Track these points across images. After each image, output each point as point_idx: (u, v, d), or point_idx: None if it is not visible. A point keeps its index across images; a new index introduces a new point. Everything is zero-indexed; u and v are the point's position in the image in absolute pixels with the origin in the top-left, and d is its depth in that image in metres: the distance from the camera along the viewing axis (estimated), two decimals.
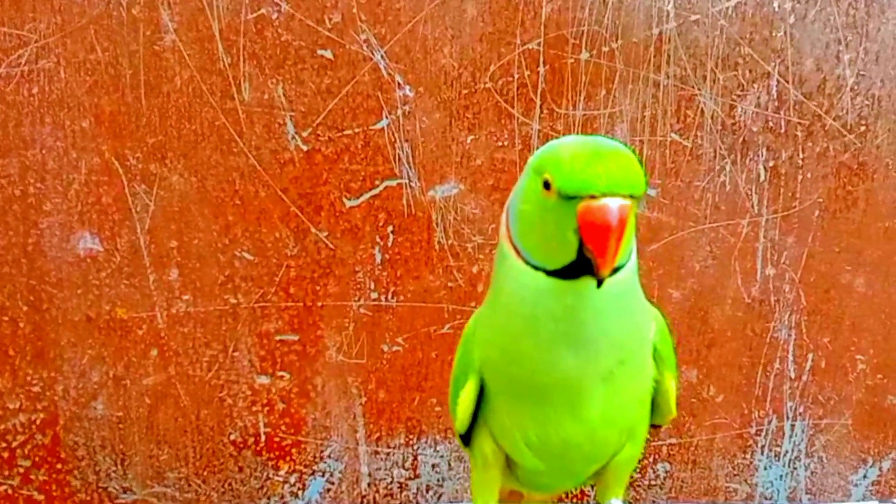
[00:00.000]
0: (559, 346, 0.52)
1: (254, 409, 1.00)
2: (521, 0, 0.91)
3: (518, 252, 0.52)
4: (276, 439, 1.01)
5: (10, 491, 1.01)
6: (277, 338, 0.98)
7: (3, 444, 1.00)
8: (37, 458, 1.01)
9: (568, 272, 0.49)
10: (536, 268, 0.51)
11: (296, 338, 0.98)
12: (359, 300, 0.98)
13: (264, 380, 0.99)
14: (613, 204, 0.46)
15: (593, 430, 0.57)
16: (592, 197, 0.46)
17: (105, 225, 0.95)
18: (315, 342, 0.99)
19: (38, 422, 1.00)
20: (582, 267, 0.48)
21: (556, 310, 0.50)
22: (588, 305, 0.50)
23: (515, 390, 0.57)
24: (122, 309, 0.97)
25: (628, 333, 0.54)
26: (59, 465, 1.01)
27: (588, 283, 0.49)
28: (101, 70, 0.92)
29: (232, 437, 1.01)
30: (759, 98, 0.93)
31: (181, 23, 0.91)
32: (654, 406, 0.61)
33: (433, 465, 1.03)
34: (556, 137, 0.92)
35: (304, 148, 0.94)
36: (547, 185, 0.48)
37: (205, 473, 1.01)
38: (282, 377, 0.99)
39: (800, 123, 0.94)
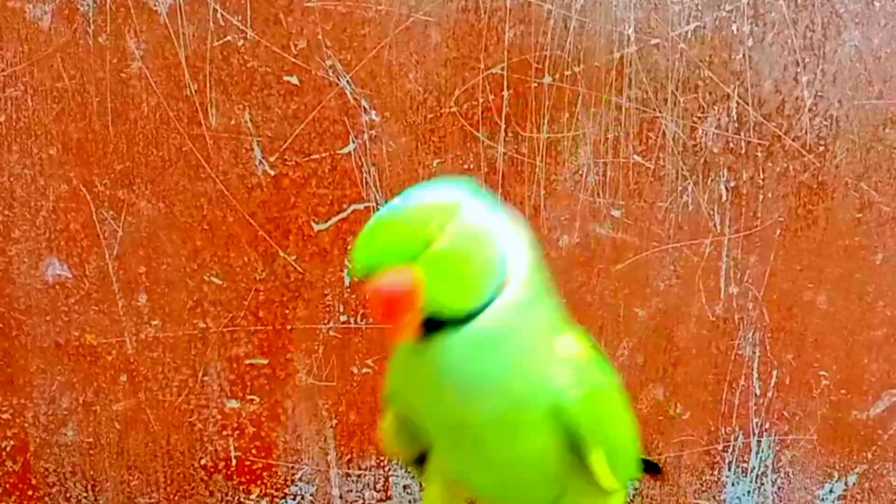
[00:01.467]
0: (434, 391, 0.52)
1: (224, 433, 1.00)
2: (484, 25, 0.93)
3: None
4: (247, 463, 1.01)
5: None
6: (247, 361, 0.99)
7: None
8: (7, 485, 1.00)
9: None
10: None
11: (265, 361, 0.99)
12: (328, 323, 0.98)
13: (234, 404, 1.00)
14: (377, 285, 0.47)
15: (503, 475, 0.55)
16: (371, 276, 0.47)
17: (73, 251, 0.96)
18: (285, 365, 0.99)
19: (8, 448, 1.00)
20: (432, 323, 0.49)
21: (424, 361, 0.50)
22: (450, 355, 0.50)
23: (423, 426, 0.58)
24: (91, 335, 0.98)
25: (514, 378, 0.51)
26: (29, 492, 1.01)
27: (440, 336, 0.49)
28: (68, 97, 0.93)
29: (203, 462, 1.01)
30: (719, 120, 0.95)
31: (147, 50, 0.92)
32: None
33: (405, 487, 1.03)
34: (521, 160, 0.94)
35: (272, 173, 0.95)
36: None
37: (176, 498, 1.01)
38: (252, 401, 1.00)
39: (760, 144, 0.96)
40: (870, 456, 1.04)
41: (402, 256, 0.47)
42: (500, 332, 0.50)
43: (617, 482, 0.58)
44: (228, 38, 0.92)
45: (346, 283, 0.98)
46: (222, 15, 0.91)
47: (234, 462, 1.01)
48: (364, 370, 1.00)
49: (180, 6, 0.91)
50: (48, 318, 0.97)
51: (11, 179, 0.94)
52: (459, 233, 0.49)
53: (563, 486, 0.58)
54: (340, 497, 1.03)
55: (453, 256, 0.48)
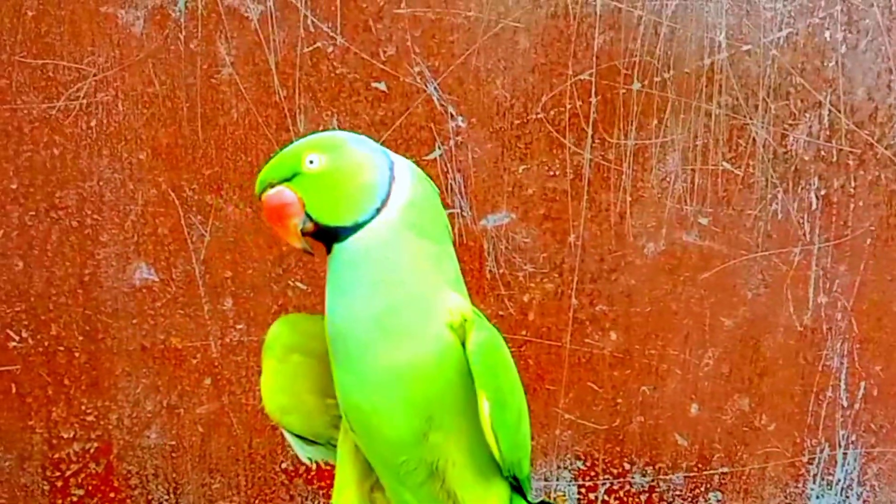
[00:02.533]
0: (332, 297, 0.60)
1: None
2: (573, 31, 0.92)
3: None
4: (327, 468, 1.01)
5: None
6: None
7: (58, 473, 1.00)
8: (90, 487, 1.01)
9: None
10: None
11: None
12: None
13: None
14: (264, 197, 0.59)
15: (372, 391, 0.58)
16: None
17: (161, 255, 0.96)
18: None
19: (91, 451, 1.01)
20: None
21: (329, 268, 0.60)
22: (333, 264, 0.60)
23: (329, 343, 0.60)
24: (177, 338, 0.98)
25: (387, 293, 0.58)
26: (112, 495, 1.02)
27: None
28: (158, 103, 0.94)
29: (284, 466, 1.01)
30: (810, 127, 0.94)
31: (238, 56, 0.93)
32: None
33: None
34: (608, 167, 0.93)
35: None
36: (311, 162, 0.58)
37: (257, 502, 1.02)
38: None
39: (851, 152, 0.94)
40: None
41: (280, 176, 0.58)
42: (374, 244, 0.58)
43: (496, 444, 0.59)
44: (318, 44, 0.92)
45: None
46: (313, 21, 0.92)
47: (314, 466, 1.01)
48: None
49: (272, 13, 0.92)
50: (134, 321, 0.98)
51: (101, 184, 0.95)
52: (336, 159, 0.58)
53: (426, 440, 0.60)
54: None
55: (327, 177, 0.58)
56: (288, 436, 0.68)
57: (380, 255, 0.58)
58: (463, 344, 0.58)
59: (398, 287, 0.58)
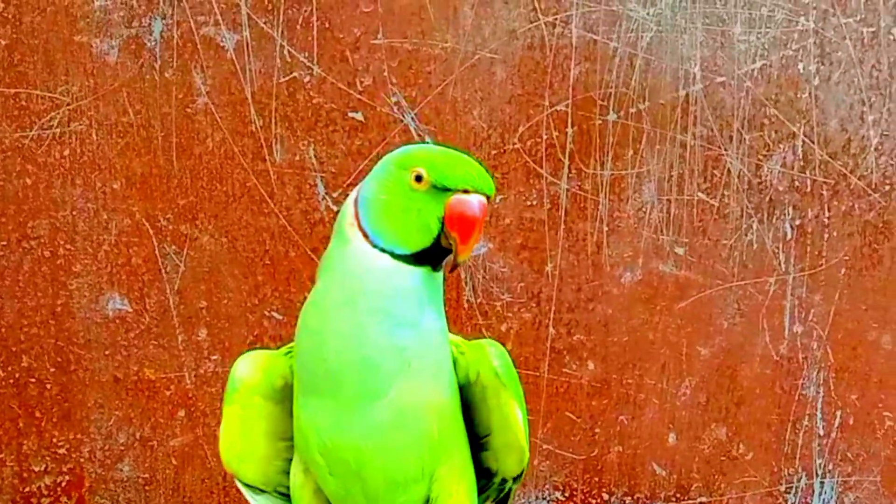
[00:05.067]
0: (372, 322, 0.53)
1: None
2: (549, 63, 0.93)
3: (366, 237, 0.54)
4: None
5: None
6: None
7: None
8: None
9: (415, 259, 0.54)
10: (383, 251, 0.54)
11: None
12: None
13: None
14: (481, 199, 0.53)
15: (383, 435, 0.55)
16: (465, 192, 0.53)
17: (134, 286, 0.95)
18: None
19: (63, 484, 0.99)
20: (430, 255, 0.54)
21: (386, 288, 0.53)
22: (415, 289, 0.54)
23: (318, 375, 0.55)
24: (151, 369, 0.97)
25: (427, 332, 0.55)
26: None
27: (424, 270, 0.54)
28: (132, 132, 0.93)
29: None
30: (784, 158, 0.95)
31: (213, 86, 0.92)
32: (496, 447, 0.61)
33: None
34: (584, 197, 0.93)
35: (335, 208, 0.94)
36: (419, 178, 0.53)
37: None
38: None
39: (825, 183, 0.95)
40: None
41: (493, 190, 0.55)
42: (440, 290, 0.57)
43: (528, 451, 0.60)
44: (294, 74, 0.92)
45: None
46: (289, 51, 0.92)
47: None
48: None
49: (247, 42, 0.91)
50: (107, 352, 0.96)
51: (74, 213, 0.94)
52: None
53: (426, 487, 0.58)
54: None
55: None
56: (240, 485, 0.64)
57: (436, 300, 0.56)
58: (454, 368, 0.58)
59: (439, 318, 0.57)
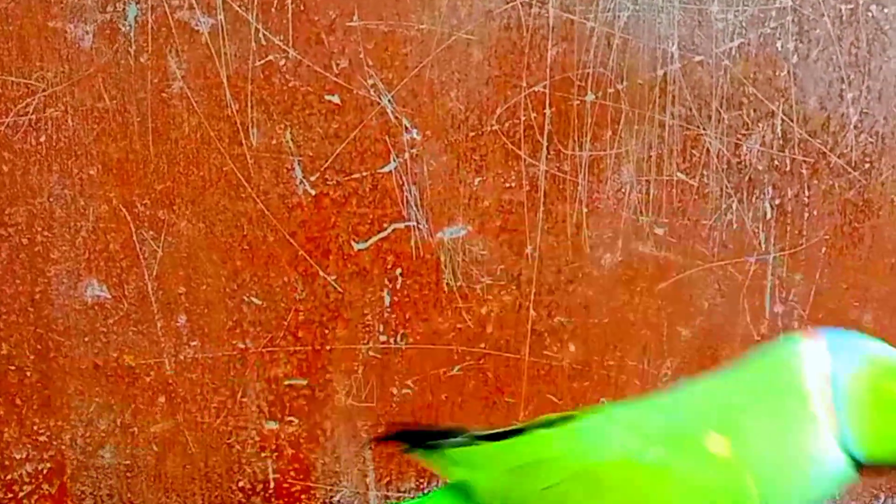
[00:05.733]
0: None
1: (263, 455, 0.99)
2: (526, 43, 0.92)
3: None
4: (286, 485, 1.00)
5: None
6: (286, 382, 0.98)
7: (10, 495, 0.99)
8: None
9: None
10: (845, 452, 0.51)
11: (304, 382, 0.98)
12: (368, 343, 0.97)
13: (273, 425, 0.99)
14: None
15: None
16: None
17: (113, 272, 0.95)
18: (324, 386, 0.98)
19: (44, 471, 0.99)
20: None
21: (830, 486, 0.51)
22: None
23: None
24: (130, 356, 0.97)
25: None
26: None
27: None
28: (108, 118, 0.92)
29: (241, 484, 1.00)
30: (763, 137, 0.94)
31: (189, 70, 0.92)
32: None
33: None
34: (563, 178, 0.93)
35: (312, 192, 0.94)
36: None
37: None
38: (291, 422, 0.99)
39: (805, 161, 0.95)
40: None
41: None
42: None
43: None
44: (270, 57, 0.92)
45: (387, 302, 0.97)
46: (264, 35, 0.91)
47: (272, 484, 1.00)
48: (404, 391, 0.98)
49: (222, 26, 0.91)
50: (86, 339, 0.96)
51: (51, 200, 0.94)
52: None
53: None
54: None
55: None
56: None
57: None
58: None
59: None
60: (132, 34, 0.91)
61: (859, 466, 0.50)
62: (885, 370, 0.51)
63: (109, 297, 0.96)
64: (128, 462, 0.99)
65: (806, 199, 0.96)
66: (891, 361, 0.52)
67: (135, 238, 0.94)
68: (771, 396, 0.52)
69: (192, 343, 0.97)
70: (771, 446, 0.50)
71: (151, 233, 0.94)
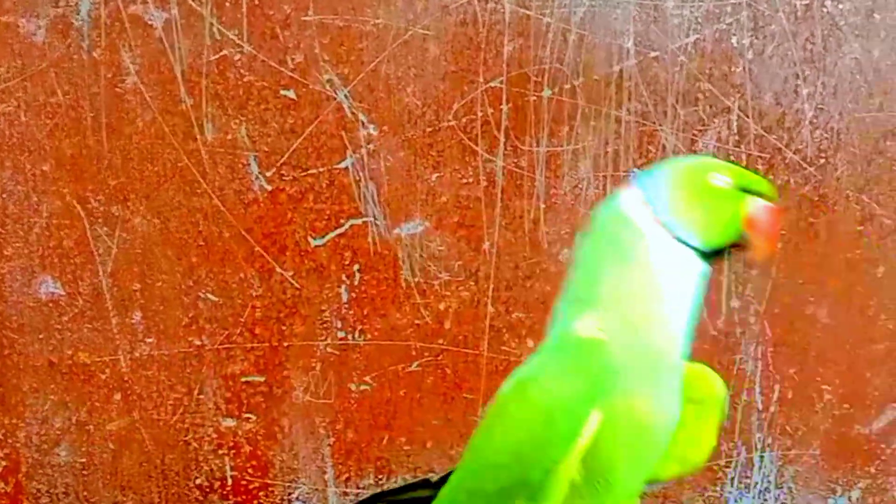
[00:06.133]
0: (678, 314, 0.57)
1: (220, 452, 0.99)
2: (482, 39, 0.92)
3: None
4: (244, 483, 1.00)
5: None
6: (243, 379, 0.97)
7: None
8: None
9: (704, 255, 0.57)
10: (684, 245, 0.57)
11: (262, 379, 0.97)
12: (325, 339, 0.97)
13: (230, 422, 0.98)
14: (777, 208, 0.58)
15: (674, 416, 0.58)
16: (763, 197, 0.57)
17: (67, 268, 0.94)
18: (281, 383, 0.98)
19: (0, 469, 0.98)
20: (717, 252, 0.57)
21: (689, 280, 0.57)
22: (701, 284, 0.58)
23: (647, 365, 0.56)
24: (85, 353, 0.96)
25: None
26: None
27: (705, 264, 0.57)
28: (62, 113, 0.92)
29: (198, 482, 0.99)
30: (719, 132, 0.94)
31: (143, 65, 0.91)
32: None
33: None
34: (520, 174, 0.93)
35: (268, 188, 0.94)
36: (721, 182, 0.56)
37: None
38: (248, 419, 0.98)
39: (760, 157, 0.95)
40: (873, 470, 1.03)
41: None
42: None
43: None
44: (224, 52, 0.91)
45: (344, 298, 0.96)
46: (218, 29, 0.90)
47: (229, 482, 1.00)
48: (362, 387, 0.98)
49: (176, 20, 0.90)
50: (41, 336, 0.95)
51: (4, 196, 0.93)
52: None
53: None
54: None
55: None
56: None
57: None
58: None
59: None
60: (85, 29, 0.90)
61: (709, 256, 0.56)
62: (683, 168, 0.58)
63: (64, 293, 0.95)
64: (84, 460, 0.99)
65: None
66: (686, 160, 0.60)
67: (89, 234, 0.94)
68: (610, 249, 0.57)
69: (148, 340, 0.96)
70: (627, 290, 0.56)
71: (106, 229, 0.94)
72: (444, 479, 0.64)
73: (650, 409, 0.56)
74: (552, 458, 0.54)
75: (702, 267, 0.57)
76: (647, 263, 0.56)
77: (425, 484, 0.67)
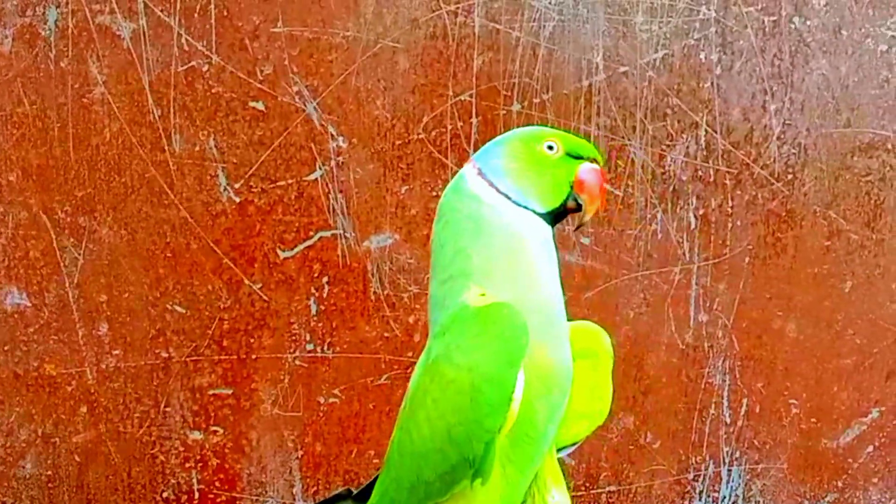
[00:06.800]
0: (548, 271, 0.59)
1: (187, 465, 0.98)
2: (452, 53, 0.92)
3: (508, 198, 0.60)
4: (211, 496, 0.99)
5: None
6: (211, 392, 0.97)
7: None
8: None
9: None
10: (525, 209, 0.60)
11: (229, 391, 0.97)
12: (294, 352, 0.97)
13: (197, 435, 0.98)
14: (601, 170, 0.62)
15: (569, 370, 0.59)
16: (591, 160, 0.61)
17: (33, 280, 0.93)
18: (249, 395, 0.97)
19: None
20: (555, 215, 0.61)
21: (541, 241, 0.59)
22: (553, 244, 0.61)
23: (535, 311, 0.57)
24: (51, 365, 0.95)
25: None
26: None
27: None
28: (28, 123, 0.91)
29: (165, 495, 0.99)
30: (688, 147, 0.95)
31: (110, 75, 0.90)
32: None
33: None
34: None
35: (237, 199, 0.93)
36: (551, 148, 0.60)
37: None
38: (215, 432, 0.98)
39: (728, 172, 0.96)
40: (840, 484, 1.03)
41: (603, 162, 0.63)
42: None
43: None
44: (193, 63, 0.91)
45: (313, 311, 0.96)
46: (187, 40, 0.90)
47: (196, 495, 0.99)
48: (331, 400, 0.98)
49: (144, 31, 0.90)
50: (6, 347, 0.94)
51: None
52: None
53: None
54: None
55: None
56: None
57: None
58: None
59: None
60: (52, 38, 0.90)
61: (551, 219, 0.60)
62: (515, 139, 0.61)
63: (30, 305, 0.94)
64: (49, 472, 0.98)
65: (730, 210, 0.96)
66: (517, 132, 0.63)
67: (55, 245, 0.93)
68: (466, 224, 0.59)
69: (115, 352, 0.95)
70: (496, 258, 0.58)
71: (72, 240, 0.93)
72: (367, 490, 0.64)
73: (555, 357, 0.57)
74: (489, 428, 0.54)
75: (548, 229, 0.60)
76: (501, 230, 0.58)
77: (347, 494, 0.67)
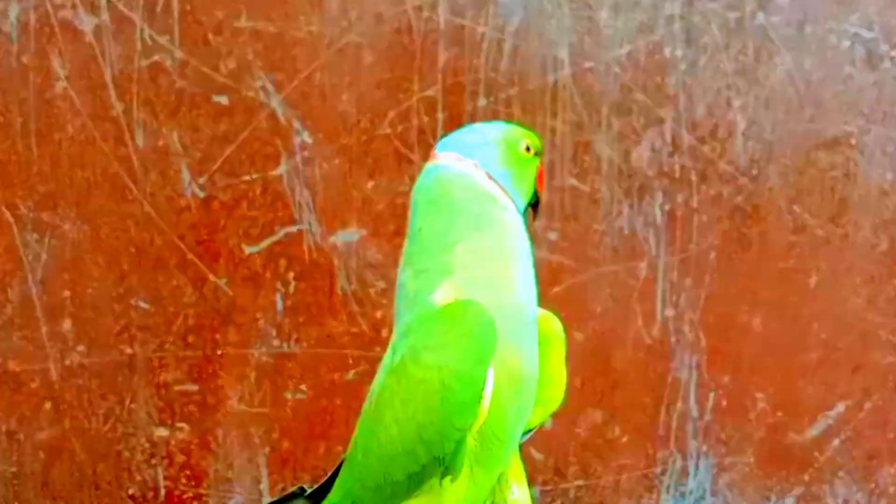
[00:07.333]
0: (527, 270, 0.59)
1: (153, 462, 0.98)
2: (417, 48, 0.92)
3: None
4: (177, 493, 0.99)
5: None
6: (176, 388, 0.96)
7: None
8: None
9: None
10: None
11: (195, 388, 0.97)
12: (260, 348, 0.96)
13: (163, 432, 0.97)
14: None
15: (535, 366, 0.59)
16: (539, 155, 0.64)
17: None
18: (215, 392, 0.97)
19: None
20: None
21: (526, 243, 0.60)
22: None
23: (508, 312, 0.57)
24: (14, 361, 0.95)
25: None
26: None
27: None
28: None
29: (130, 492, 0.98)
30: (653, 143, 0.95)
31: (72, 70, 0.90)
32: None
33: None
34: None
35: (201, 195, 0.93)
36: (528, 149, 0.62)
37: None
38: (181, 429, 0.97)
39: (693, 168, 0.96)
40: (806, 478, 1.04)
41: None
42: None
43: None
44: (156, 57, 0.90)
45: (279, 307, 0.96)
46: (150, 35, 0.90)
47: (162, 492, 0.99)
48: (297, 396, 0.98)
49: (106, 26, 0.89)
50: None
51: None
52: None
53: None
54: None
55: None
56: None
57: None
58: None
59: None
60: (14, 33, 0.89)
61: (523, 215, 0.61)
62: (504, 137, 0.62)
63: None
64: (14, 469, 0.97)
65: (695, 205, 0.97)
66: (498, 128, 0.64)
67: (18, 241, 0.92)
68: (461, 216, 0.58)
69: (79, 348, 0.95)
70: (484, 254, 0.57)
71: (35, 235, 0.92)
72: (320, 489, 0.64)
73: (524, 359, 0.57)
74: (460, 427, 0.54)
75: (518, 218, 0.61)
76: (500, 226, 0.58)
77: (300, 493, 0.66)
